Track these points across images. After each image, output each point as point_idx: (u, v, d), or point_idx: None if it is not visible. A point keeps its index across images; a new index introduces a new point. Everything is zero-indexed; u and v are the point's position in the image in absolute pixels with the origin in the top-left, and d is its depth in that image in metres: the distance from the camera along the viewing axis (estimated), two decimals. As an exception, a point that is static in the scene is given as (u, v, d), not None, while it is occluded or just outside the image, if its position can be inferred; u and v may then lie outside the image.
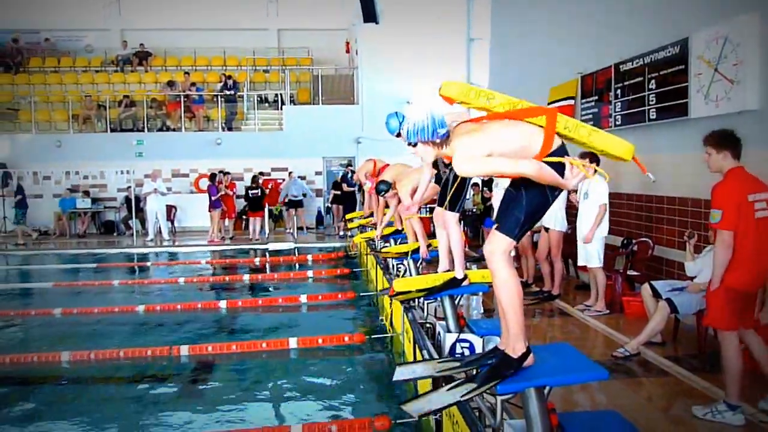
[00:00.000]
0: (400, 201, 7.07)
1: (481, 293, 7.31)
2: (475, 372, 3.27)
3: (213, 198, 15.35)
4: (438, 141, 3.12)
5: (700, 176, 6.53)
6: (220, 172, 16.02)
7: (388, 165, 8.72)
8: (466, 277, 4.96)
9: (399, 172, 7.68)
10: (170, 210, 16.62)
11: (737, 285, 4.00)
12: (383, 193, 7.89)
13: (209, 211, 15.65)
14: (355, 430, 4.44)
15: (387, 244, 8.21)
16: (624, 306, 6.84)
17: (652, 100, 7.27)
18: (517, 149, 3.05)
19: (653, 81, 7.24)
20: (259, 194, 15.68)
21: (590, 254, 6.89)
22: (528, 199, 3.08)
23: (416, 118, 3.10)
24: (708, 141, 4.19)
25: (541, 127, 3.12)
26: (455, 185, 4.75)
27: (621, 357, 5.35)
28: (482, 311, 7.66)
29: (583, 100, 9.20)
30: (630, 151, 3.17)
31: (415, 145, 3.18)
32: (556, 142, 3.13)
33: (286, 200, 16.45)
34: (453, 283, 5.00)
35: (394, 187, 7.34)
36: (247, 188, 15.87)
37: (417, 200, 5.69)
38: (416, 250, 6.78)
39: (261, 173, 16.61)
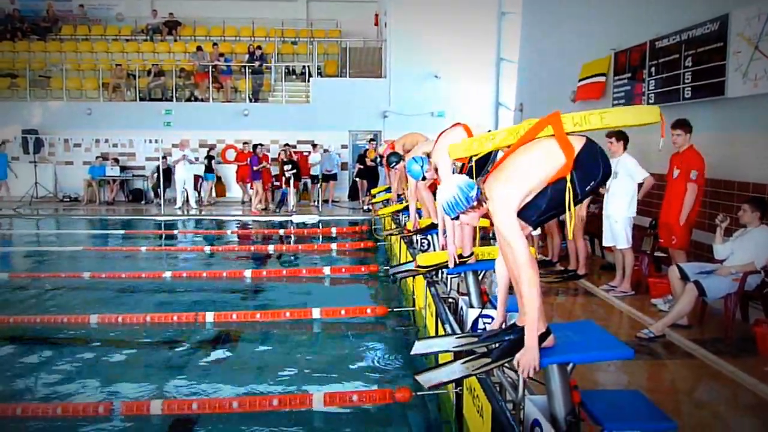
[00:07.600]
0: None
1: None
2: (492, 347, 3.28)
3: (255, 169, 15.46)
4: (475, 203, 3.08)
5: (733, 157, 6.39)
6: (245, 143, 16.05)
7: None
8: (472, 254, 4.95)
9: (412, 142, 7.56)
10: (197, 180, 16.77)
11: None
12: (394, 165, 7.82)
13: (244, 181, 15.66)
14: (376, 401, 4.49)
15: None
16: (650, 287, 6.75)
17: (688, 79, 7.07)
18: (544, 173, 3.10)
19: (689, 59, 7.04)
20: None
21: (619, 235, 6.77)
22: (552, 192, 3.11)
23: (446, 197, 3.10)
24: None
25: (553, 135, 3.14)
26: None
27: (645, 338, 5.29)
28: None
29: (616, 77, 8.98)
30: (654, 113, 3.13)
31: (457, 218, 3.16)
32: (579, 142, 3.14)
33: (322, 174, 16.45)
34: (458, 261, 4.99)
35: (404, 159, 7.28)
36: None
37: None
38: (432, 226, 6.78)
39: (287, 145, 16.63)
